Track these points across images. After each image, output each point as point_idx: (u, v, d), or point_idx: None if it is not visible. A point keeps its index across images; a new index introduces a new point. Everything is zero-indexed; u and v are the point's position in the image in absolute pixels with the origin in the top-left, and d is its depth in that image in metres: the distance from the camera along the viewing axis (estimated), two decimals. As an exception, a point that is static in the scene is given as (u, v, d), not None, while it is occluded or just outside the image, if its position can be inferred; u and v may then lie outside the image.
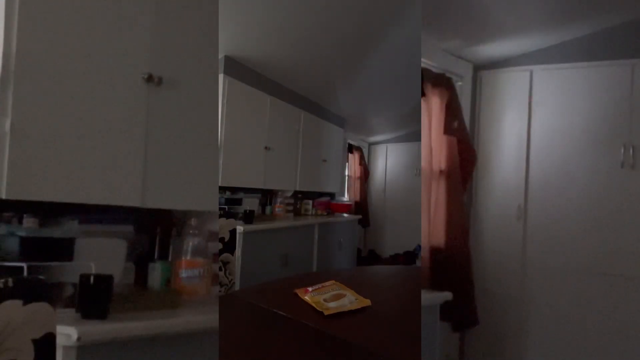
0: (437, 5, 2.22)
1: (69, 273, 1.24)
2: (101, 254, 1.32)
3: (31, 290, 0.64)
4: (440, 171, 2.40)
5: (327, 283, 1.09)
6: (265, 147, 3.74)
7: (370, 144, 6.90)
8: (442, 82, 2.44)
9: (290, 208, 4.38)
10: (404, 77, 3.91)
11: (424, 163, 2.37)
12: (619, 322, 2.43)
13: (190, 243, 1.43)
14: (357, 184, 6.30)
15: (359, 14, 2.86)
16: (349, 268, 4.75)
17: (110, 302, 1.10)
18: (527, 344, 2.69)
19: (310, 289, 1.06)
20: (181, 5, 1.50)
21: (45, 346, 0.66)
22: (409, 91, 4.14)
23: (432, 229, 2.33)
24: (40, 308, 0.64)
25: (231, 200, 3.50)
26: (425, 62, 2.45)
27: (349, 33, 3.13)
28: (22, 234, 1.24)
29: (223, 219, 1.78)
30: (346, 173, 6.26)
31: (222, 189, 3.45)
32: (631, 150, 2.49)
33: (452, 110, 2.42)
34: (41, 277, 0.77)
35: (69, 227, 1.31)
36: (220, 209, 3.17)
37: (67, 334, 0.99)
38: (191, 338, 1.15)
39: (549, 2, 2.37)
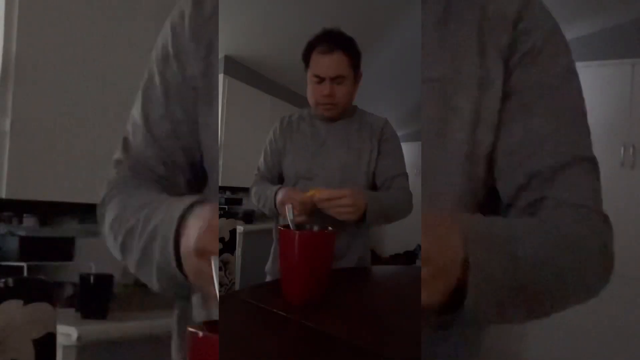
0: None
1: (69, 273, 1.24)
2: (101, 254, 1.32)
3: (31, 290, 0.64)
4: (440, 171, 2.40)
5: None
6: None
7: (370, 144, 6.90)
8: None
9: (290, 208, 4.37)
10: (404, 77, 3.91)
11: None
12: (619, 322, 2.44)
13: (190, 243, 1.42)
14: (357, 184, 6.29)
15: (359, 14, 2.86)
16: (349, 268, 4.75)
17: (110, 302, 1.10)
18: (527, 344, 2.69)
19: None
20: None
21: (45, 346, 0.66)
22: (409, 91, 4.14)
23: (432, 229, 2.32)
24: (40, 308, 0.64)
25: (231, 200, 3.50)
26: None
27: (349, 33, 3.13)
28: (22, 233, 1.24)
29: (223, 219, 1.78)
30: (346, 173, 6.24)
31: (222, 189, 3.45)
32: (631, 150, 2.49)
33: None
34: (41, 277, 0.77)
35: (69, 227, 1.32)
36: (220, 209, 3.17)
37: (67, 333, 0.99)
38: (191, 338, 1.15)
39: (549, 2, 2.37)
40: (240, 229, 2.85)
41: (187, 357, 0.41)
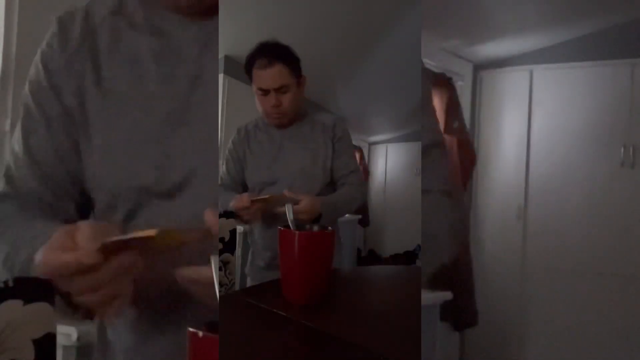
0: (437, 5, 2.22)
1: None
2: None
3: (31, 290, 0.64)
4: (440, 171, 2.40)
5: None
6: (265, 147, 3.74)
7: (370, 144, 6.90)
8: (442, 81, 2.44)
9: (290, 208, 4.36)
10: (404, 77, 3.91)
11: (423, 163, 2.37)
12: (619, 322, 2.44)
13: (190, 243, 1.42)
14: (357, 184, 6.28)
15: (359, 14, 2.86)
16: (349, 268, 4.75)
17: (110, 302, 1.10)
18: (527, 344, 2.69)
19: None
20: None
21: (45, 346, 0.66)
22: (409, 91, 4.14)
23: (432, 229, 2.32)
24: (40, 308, 0.64)
25: (231, 200, 3.49)
26: (425, 62, 2.45)
27: (349, 32, 3.13)
28: (22, 234, 1.24)
29: (223, 219, 1.78)
30: (346, 173, 6.23)
31: (222, 189, 3.45)
32: (631, 150, 2.50)
33: (452, 110, 2.43)
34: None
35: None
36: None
37: (67, 333, 0.99)
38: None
39: (549, 2, 2.37)
40: (240, 229, 2.85)
41: (187, 357, 0.41)
